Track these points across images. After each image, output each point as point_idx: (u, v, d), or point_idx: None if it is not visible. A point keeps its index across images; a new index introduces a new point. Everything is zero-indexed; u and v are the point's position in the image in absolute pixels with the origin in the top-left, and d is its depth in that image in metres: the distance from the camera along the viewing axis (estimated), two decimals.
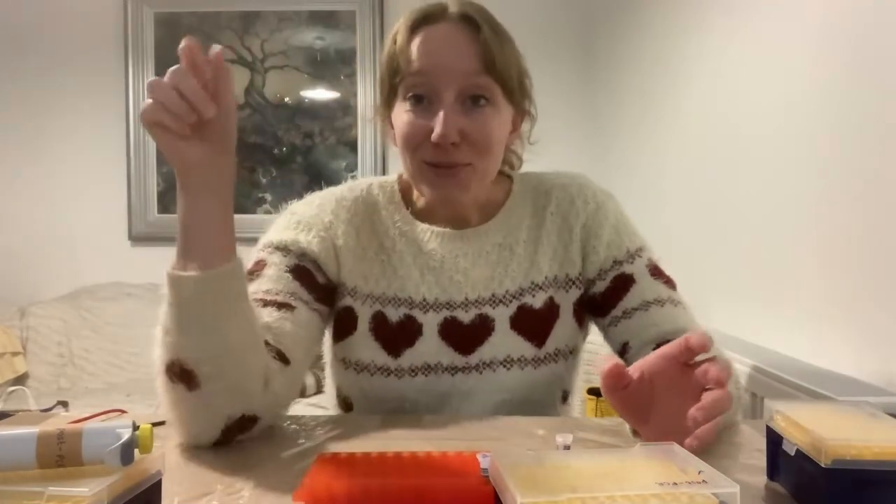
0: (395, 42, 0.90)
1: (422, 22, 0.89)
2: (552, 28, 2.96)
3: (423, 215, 0.99)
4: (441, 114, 0.85)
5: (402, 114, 0.89)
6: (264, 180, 3.17)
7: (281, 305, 0.86)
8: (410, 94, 0.88)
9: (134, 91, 3.13)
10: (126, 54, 3.12)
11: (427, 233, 0.97)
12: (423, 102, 0.88)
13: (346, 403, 1.00)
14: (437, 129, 0.84)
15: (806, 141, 1.34)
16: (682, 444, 0.55)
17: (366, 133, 3.12)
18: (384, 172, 3.07)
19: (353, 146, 3.14)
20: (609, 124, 2.77)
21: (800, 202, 1.36)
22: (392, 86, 0.90)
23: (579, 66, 2.96)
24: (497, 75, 0.87)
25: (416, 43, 0.87)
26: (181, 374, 0.73)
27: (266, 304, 0.86)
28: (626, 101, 2.58)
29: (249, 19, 3.15)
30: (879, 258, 1.12)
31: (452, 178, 0.88)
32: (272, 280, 0.89)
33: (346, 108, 3.15)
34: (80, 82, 3.14)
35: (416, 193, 0.99)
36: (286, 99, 3.18)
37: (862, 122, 1.16)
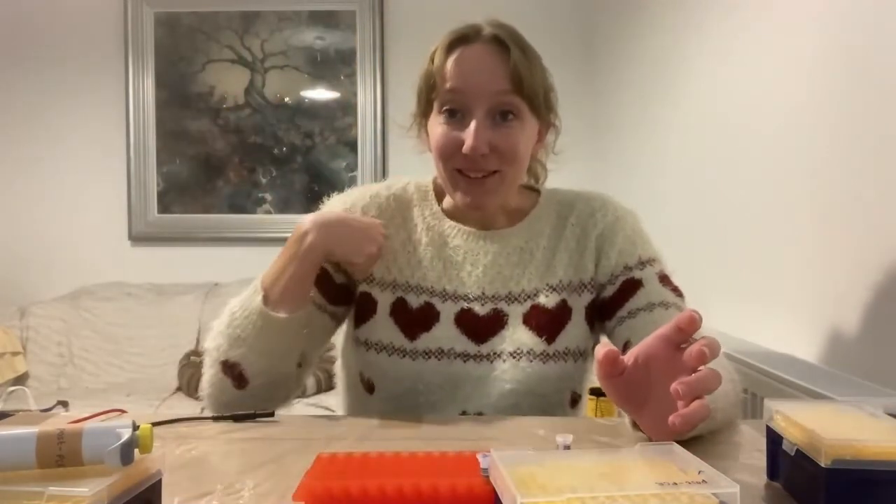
0: (432, 61, 0.98)
1: (457, 42, 0.96)
2: (552, 27, 2.96)
3: (452, 214, 1.05)
4: (472, 128, 0.93)
5: (436, 126, 0.97)
6: (264, 180, 3.17)
7: None
8: (445, 108, 0.96)
9: (134, 91, 3.13)
10: (126, 54, 3.12)
11: (454, 230, 1.04)
12: (456, 116, 0.95)
13: (369, 385, 1.02)
14: (469, 141, 0.92)
15: (806, 140, 1.34)
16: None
17: (366, 133, 3.13)
18: (384, 172, 3.07)
19: (353, 146, 3.14)
20: (609, 124, 2.77)
21: (800, 202, 1.36)
22: (429, 100, 0.98)
23: (579, 66, 2.96)
24: (524, 94, 0.94)
25: (451, 62, 0.95)
26: (235, 375, 0.94)
27: None
28: (625, 100, 2.58)
29: (249, 19, 3.15)
30: (879, 258, 1.12)
31: (482, 185, 0.96)
32: None
33: (346, 108, 3.16)
34: (80, 82, 3.14)
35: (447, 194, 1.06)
36: (286, 99, 3.18)
37: (862, 122, 1.17)
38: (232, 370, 0.93)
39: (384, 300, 1.01)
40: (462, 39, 0.96)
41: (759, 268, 1.53)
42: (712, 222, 1.79)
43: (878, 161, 1.12)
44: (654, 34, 2.25)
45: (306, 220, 0.95)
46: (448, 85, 0.95)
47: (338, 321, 1.05)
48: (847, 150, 1.21)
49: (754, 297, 1.56)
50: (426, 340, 0.98)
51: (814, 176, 1.31)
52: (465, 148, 0.92)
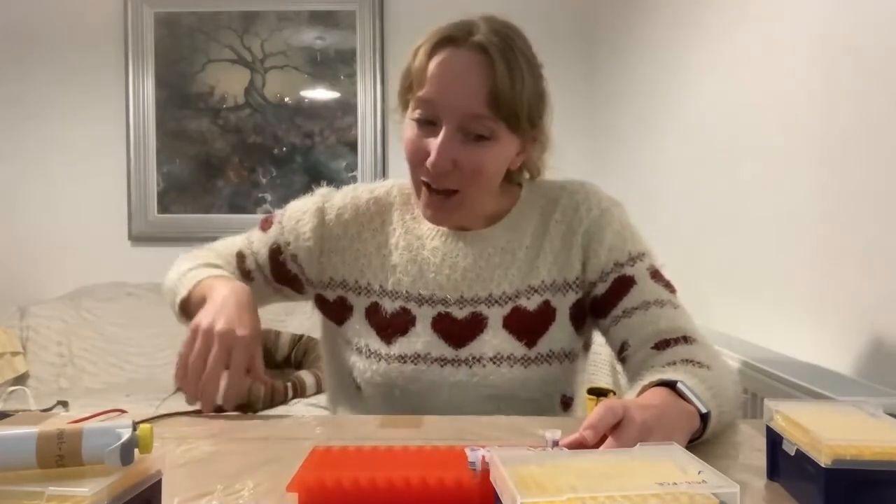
0: (415, 57, 0.93)
1: (443, 44, 0.91)
2: (552, 25, 2.96)
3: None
4: (438, 142, 0.89)
5: (408, 128, 0.94)
6: (264, 180, 3.17)
7: (245, 274, 1.06)
8: (417, 115, 0.92)
9: (134, 91, 3.12)
10: (126, 54, 3.12)
11: (432, 231, 1.01)
12: (427, 125, 0.91)
13: (356, 385, 1.02)
14: (432, 156, 0.89)
15: (805, 139, 1.34)
16: None
17: (366, 133, 3.12)
18: (384, 172, 3.07)
19: (353, 146, 3.14)
20: (608, 123, 2.77)
21: (800, 201, 1.36)
22: (406, 97, 0.95)
23: (579, 63, 2.96)
24: (502, 113, 0.89)
25: (431, 66, 0.90)
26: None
27: (241, 256, 1.08)
28: (625, 99, 2.58)
29: (249, 19, 3.15)
30: (879, 257, 1.12)
31: (440, 202, 0.94)
32: (260, 243, 1.07)
33: (346, 108, 3.15)
34: (80, 82, 3.14)
35: None
36: (286, 99, 3.18)
37: (860, 121, 1.16)
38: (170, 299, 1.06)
39: (359, 304, 1.01)
40: (448, 41, 0.90)
41: (759, 267, 1.53)
42: (712, 222, 1.79)
43: (876, 160, 1.12)
44: (655, 33, 2.25)
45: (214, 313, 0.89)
46: (422, 93, 0.90)
47: (283, 296, 1.09)
48: (845, 149, 1.21)
49: (754, 297, 1.56)
50: (402, 345, 0.97)
51: (813, 174, 1.31)
52: (428, 162, 0.89)
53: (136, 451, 0.50)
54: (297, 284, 1.07)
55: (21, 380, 2.75)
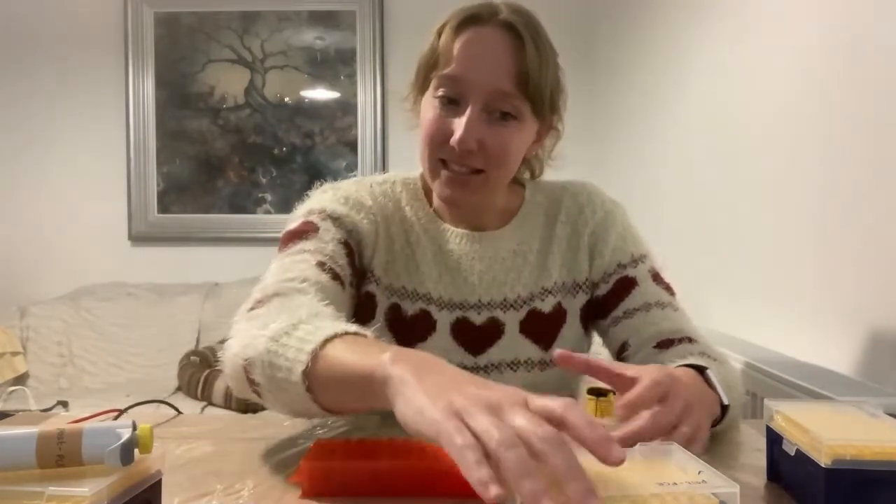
0: (438, 36, 0.90)
1: (469, 22, 0.88)
2: (551, 22, 2.96)
3: (443, 214, 1.00)
4: (464, 121, 0.86)
5: (429, 108, 0.90)
6: (264, 180, 3.17)
7: (336, 276, 0.87)
8: (441, 93, 0.88)
9: (134, 91, 3.13)
10: (126, 54, 3.12)
11: (448, 232, 0.99)
12: (451, 104, 0.88)
13: None
14: (458, 133, 0.85)
15: (806, 139, 1.34)
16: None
17: (366, 133, 3.13)
18: (384, 172, 3.06)
19: (353, 146, 3.14)
20: (608, 122, 2.77)
21: (799, 200, 1.36)
22: (427, 77, 0.91)
23: (578, 59, 2.96)
24: (528, 94, 0.87)
25: (458, 44, 0.87)
26: (253, 389, 0.72)
27: (323, 265, 0.86)
28: (625, 98, 2.58)
29: (249, 19, 3.15)
30: (879, 256, 1.12)
31: (464, 182, 0.90)
32: (329, 243, 0.89)
33: (346, 108, 3.15)
34: (80, 82, 3.14)
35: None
36: (286, 99, 3.18)
37: (860, 121, 1.16)
38: (251, 381, 0.72)
39: (382, 305, 0.96)
40: (474, 19, 0.87)
41: (759, 267, 1.53)
42: (713, 222, 1.79)
43: (877, 159, 1.12)
44: (655, 29, 2.24)
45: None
46: (449, 70, 0.87)
47: (352, 305, 0.93)
48: (845, 149, 1.21)
49: (754, 297, 1.55)
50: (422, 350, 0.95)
51: (813, 174, 1.31)
52: (453, 141, 0.86)
53: (136, 451, 0.50)
54: (359, 282, 0.95)
55: (21, 380, 2.75)
